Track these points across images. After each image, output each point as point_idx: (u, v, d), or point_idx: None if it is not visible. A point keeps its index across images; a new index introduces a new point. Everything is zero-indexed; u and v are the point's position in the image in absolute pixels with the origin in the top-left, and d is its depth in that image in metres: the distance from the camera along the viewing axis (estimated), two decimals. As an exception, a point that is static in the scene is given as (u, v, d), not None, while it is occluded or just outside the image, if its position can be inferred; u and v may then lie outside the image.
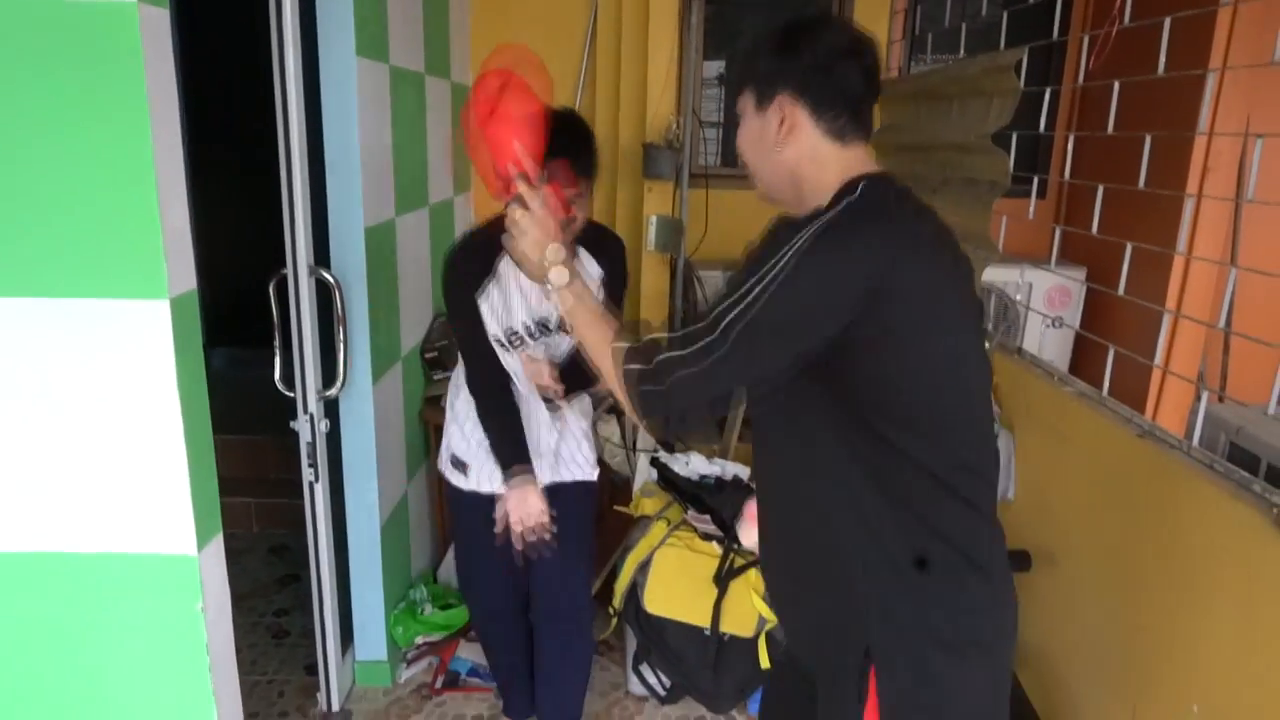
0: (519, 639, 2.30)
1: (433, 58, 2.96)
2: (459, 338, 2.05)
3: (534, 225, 1.35)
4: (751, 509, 1.59)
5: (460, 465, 2.12)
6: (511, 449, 1.98)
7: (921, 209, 1.22)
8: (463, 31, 3.46)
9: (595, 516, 2.32)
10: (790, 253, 1.09)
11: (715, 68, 4.05)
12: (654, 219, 3.43)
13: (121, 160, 1.27)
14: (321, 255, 2.22)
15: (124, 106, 1.25)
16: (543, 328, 2.00)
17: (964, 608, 1.19)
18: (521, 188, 1.36)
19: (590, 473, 2.16)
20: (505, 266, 1.95)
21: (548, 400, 2.01)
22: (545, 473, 2.07)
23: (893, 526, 1.18)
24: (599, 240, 2.03)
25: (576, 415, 2.14)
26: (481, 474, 2.08)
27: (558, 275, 1.32)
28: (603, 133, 3.64)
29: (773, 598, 1.43)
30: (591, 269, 2.00)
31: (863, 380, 1.14)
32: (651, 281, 3.60)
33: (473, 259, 1.96)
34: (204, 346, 1.54)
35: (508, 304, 1.97)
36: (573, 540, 2.10)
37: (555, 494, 2.07)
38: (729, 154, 4.16)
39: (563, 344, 2.02)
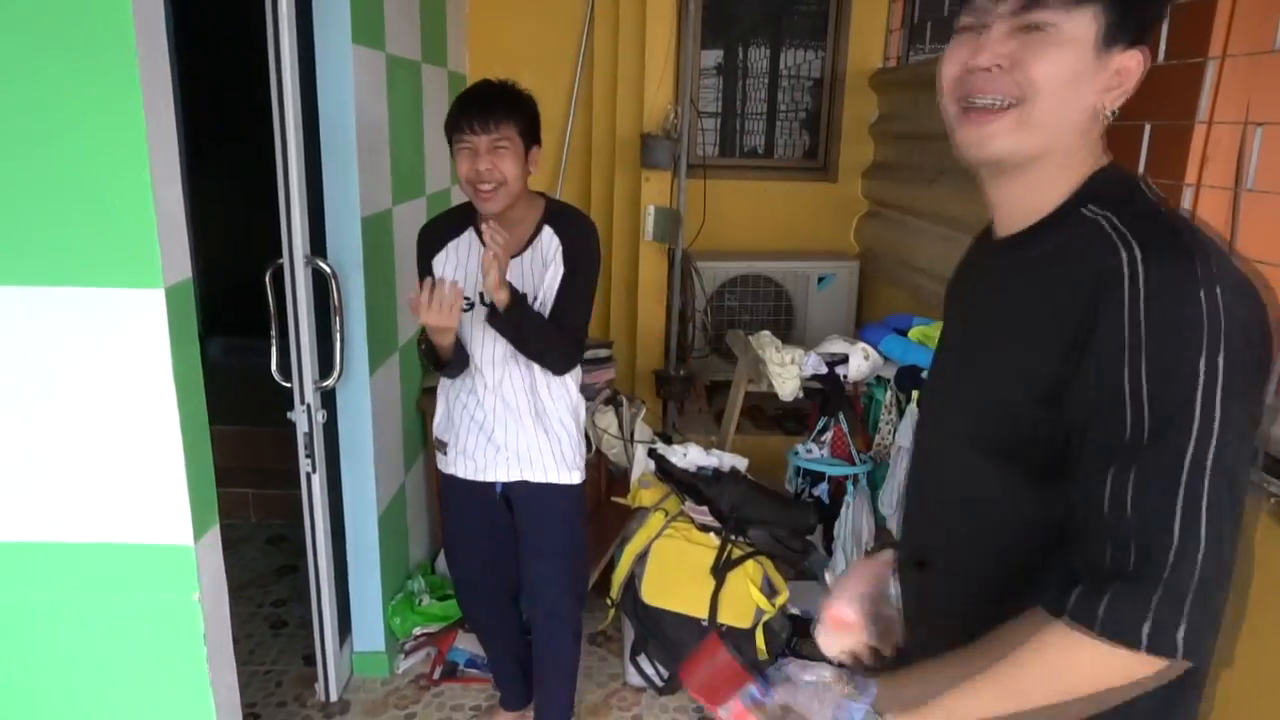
0: (507, 628, 2.30)
1: (430, 46, 2.94)
2: None
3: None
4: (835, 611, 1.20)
5: (440, 445, 2.13)
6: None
7: None
8: (459, 20, 3.45)
9: (590, 507, 2.30)
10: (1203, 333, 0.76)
11: (713, 57, 4.03)
12: (652, 209, 3.42)
13: (114, 146, 1.26)
14: (318, 244, 2.21)
15: (116, 91, 1.24)
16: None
17: None
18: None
19: (570, 475, 2.08)
20: (468, 237, 2.00)
21: (492, 313, 1.88)
22: (521, 470, 2.04)
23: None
24: (564, 219, 2.00)
25: (561, 412, 2.06)
26: (457, 456, 2.08)
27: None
28: (600, 122, 3.64)
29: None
30: (553, 246, 1.96)
31: None
32: (649, 272, 3.59)
33: (436, 229, 2.04)
34: (200, 336, 1.53)
35: (461, 271, 1.99)
36: (554, 542, 2.10)
37: (534, 494, 2.06)
38: (727, 144, 4.15)
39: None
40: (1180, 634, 0.75)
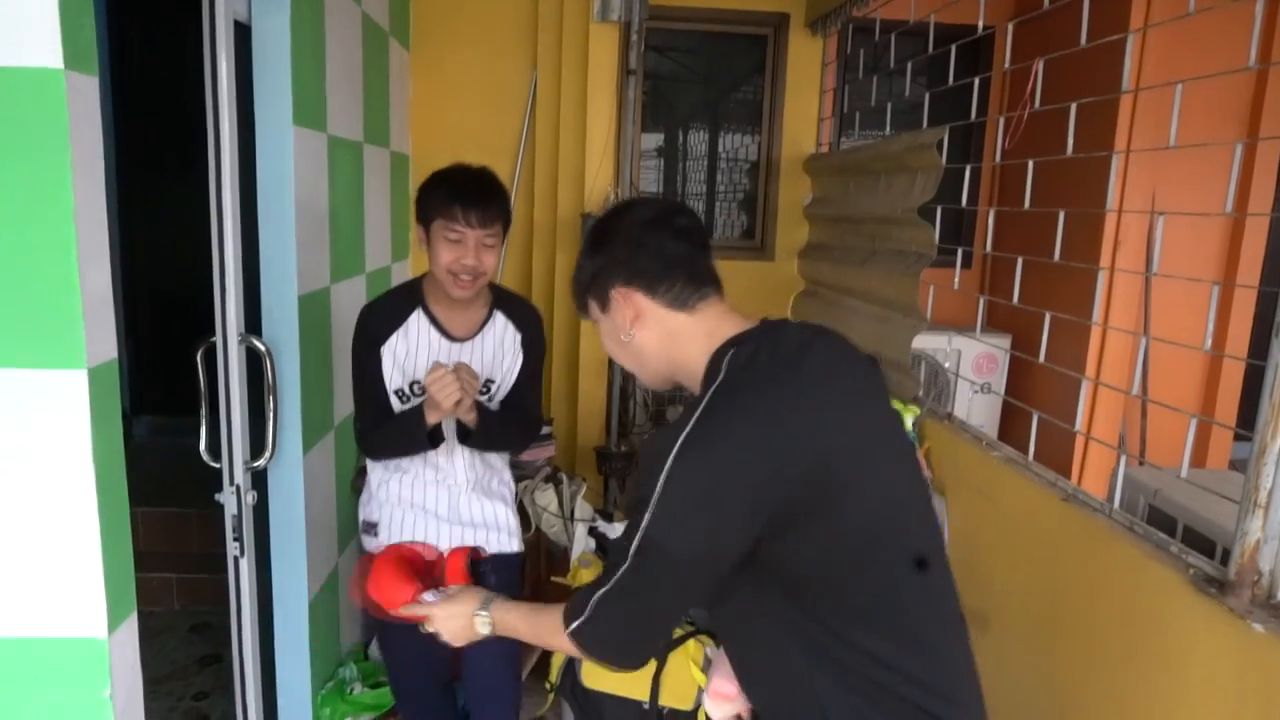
0: (441, 712, 2.23)
1: (372, 127, 2.98)
2: (355, 386, 2.05)
3: (445, 627, 1.41)
4: (715, 686, 1.51)
5: (370, 528, 2.09)
6: (413, 418, 1.90)
7: (804, 342, 1.17)
8: (402, 102, 3.50)
9: (530, 587, 2.28)
10: (660, 468, 1.06)
11: (654, 140, 4.15)
12: (593, 287, 3.46)
13: (40, 226, 1.24)
14: (253, 322, 2.18)
15: (46, 172, 1.23)
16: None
17: None
18: (418, 614, 1.47)
19: (513, 544, 2.10)
20: (416, 319, 2.00)
21: (462, 431, 1.95)
22: (462, 538, 2.04)
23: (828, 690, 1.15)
24: (516, 307, 2.09)
25: (498, 484, 2.12)
26: (390, 528, 2.04)
27: (485, 626, 1.37)
28: (542, 202, 3.70)
29: None
30: (509, 333, 2.05)
31: (779, 563, 1.11)
32: (590, 349, 3.62)
33: (383, 312, 2.01)
34: (127, 414, 1.49)
35: (414, 356, 1.99)
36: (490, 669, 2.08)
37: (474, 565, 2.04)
38: (667, 224, 4.24)
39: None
40: (574, 624, 1.17)
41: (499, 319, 2.05)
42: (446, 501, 2.03)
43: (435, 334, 1.99)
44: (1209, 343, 1.64)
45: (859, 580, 1.11)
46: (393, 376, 1.99)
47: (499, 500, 2.10)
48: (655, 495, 1.06)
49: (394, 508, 2.04)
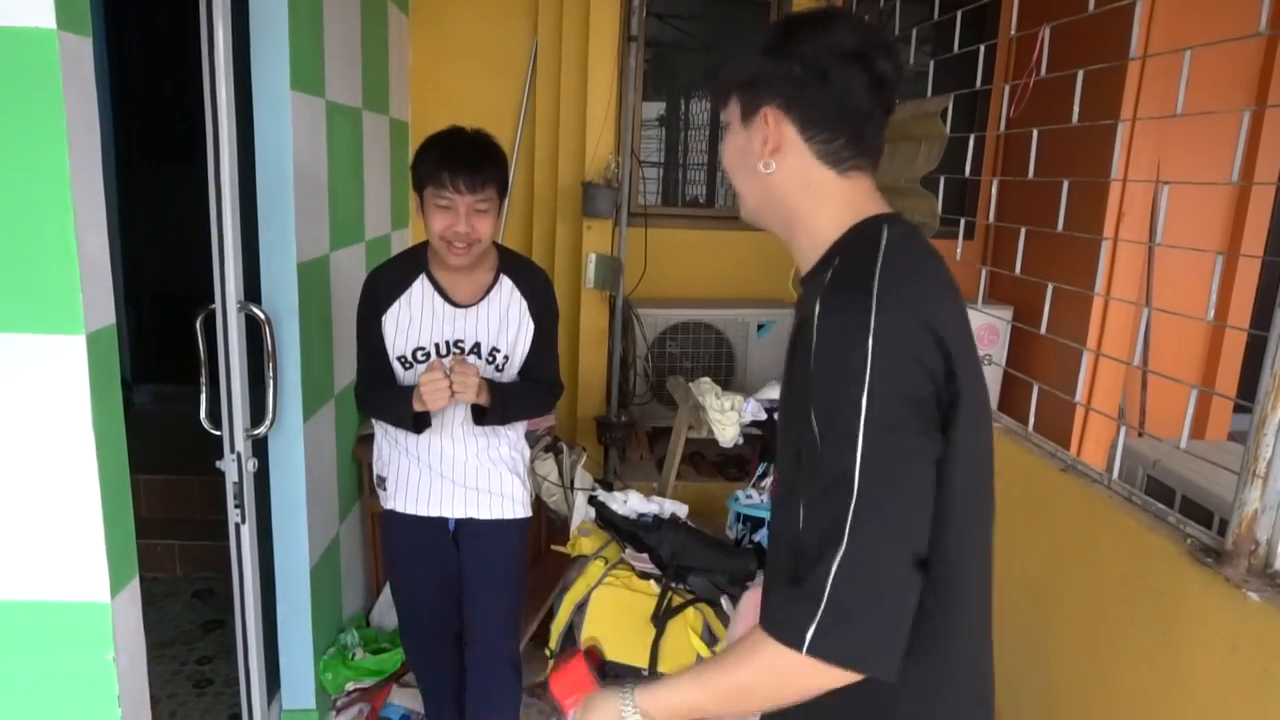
0: (449, 665, 2.24)
1: (371, 93, 2.95)
2: (358, 350, 2.07)
3: None
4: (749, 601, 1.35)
5: (381, 482, 2.12)
6: (404, 400, 1.90)
7: (938, 257, 1.05)
8: (402, 68, 3.46)
9: (530, 556, 2.29)
10: (828, 339, 0.91)
11: (655, 109, 4.11)
12: (593, 257, 3.45)
13: (36, 189, 1.23)
14: (253, 289, 2.17)
15: (40, 134, 1.22)
16: (454, 347, 2.01)
17: None
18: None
19: (521, 510, 2.12)
20: (420, 285, 1.99)
21: (478, 411, 1.97)
22: (471, 507, 2.05)
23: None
24: (524, 272, 2.06)
25: (509, 450, 2.11)
26: (397, 492, 2.07)
27: (633, 716, 1.04)
28: (542, 170, 3.67)
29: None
30: (515, 300, 2.03)
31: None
32: (591, 320, 3.61)
33: (388, 278, 2.01)
34: (128, 383, 1.49)
35: (417, 322, 1.99)
36: (501, 579, 2.09)
37: (483, 531, 2.06)
38: (668, 193, 4.21)
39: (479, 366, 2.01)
40: (809, 632, 0.85)
41: (505, 285, 2.03)
42: (452, 462, 2.04)
43: (439, 300, 1.98)
44: (1212, 313, 1.63)
45: (955, 527, 0.97)
46: (395, 343, 1.99)
47: (505, 466, 2.09)
48: (865, 371, 0.86)
49: (400, 459, 2.06)
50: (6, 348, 1.28)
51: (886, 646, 0.87)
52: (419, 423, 1.93)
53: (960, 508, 0.97)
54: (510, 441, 2.12)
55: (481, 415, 1.95)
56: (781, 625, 0.88)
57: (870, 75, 0.99)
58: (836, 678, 0.87)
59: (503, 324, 2.02)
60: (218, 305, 1.98)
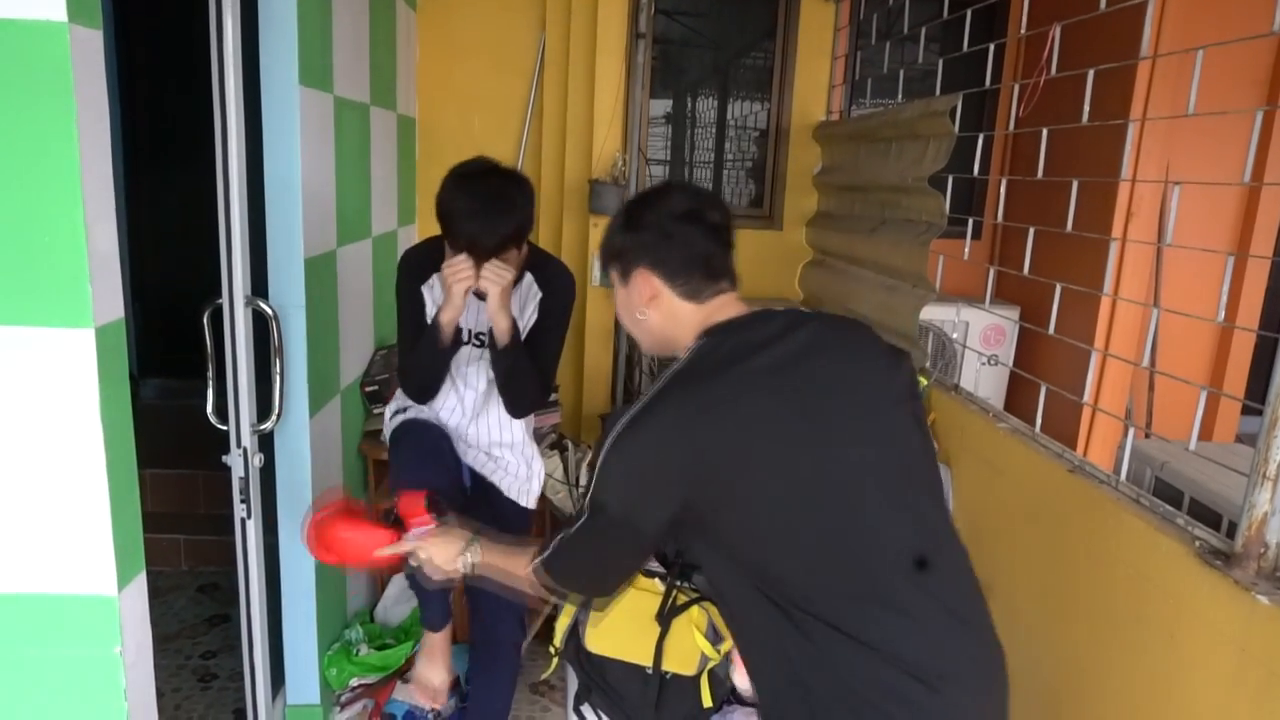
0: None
1: (379, 89, 2.95)
2: (400, 323, 2.12)
3: (435, 552, 1.51)
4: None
5: (402, 409, 2.19)
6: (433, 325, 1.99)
7: (780, 334, 1.22)
8: (409, 64, 3.46)
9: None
10: (608, 437, 1.20)
11: (662, 106, 4.11)
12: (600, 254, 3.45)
13: (46, 182, 1.23)
14: (259, 285, 2.17)
15: (51, 127, 1.22)
16: (475, 338, 2.08)
17: None
18: (401, 550, 1.57)
19: (528, 500, 2.22)
20: None
21: (480, 342, 2.06)
22: (488, 471, 2.17)
23: (800, 662, 1.18)
24: (548, 269, 2.13)
25: (525, 449, 2.22)
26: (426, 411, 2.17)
27: (467, 565, 1.48)
28: (549, 168, 3.67)
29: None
30: (532, 294, 2.10)
31: (716, 543, 1.22)
32: (596, 317, 3.61)
33: (423, 255, 2.09)
34: (135, 377, 1.49)
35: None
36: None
37: (493, 495, 2.17)
38: (675, 191, 4.21)
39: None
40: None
41: (527, 280, 2.09)
42: (476, 431, 2.16)
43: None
44: (1222, 314, 1.63)
45: (793, 564, 1.17)
46: (430, 314, 2.05)
47: (525, 463, 2.21)
48: (599, 463, 1.21)
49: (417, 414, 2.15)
50: (15, 341, 1.28)
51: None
52: (454, 344, 2.00)
53: (795, 553, 1.17)
54: (518, 434, 2.20)
55: (494, 345, 1.99)
56: (540, 548, 1.35)
57: (704, 226, 1.29)
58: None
59: (520, 317, 2.07)
60: (225, 300, 1.99)
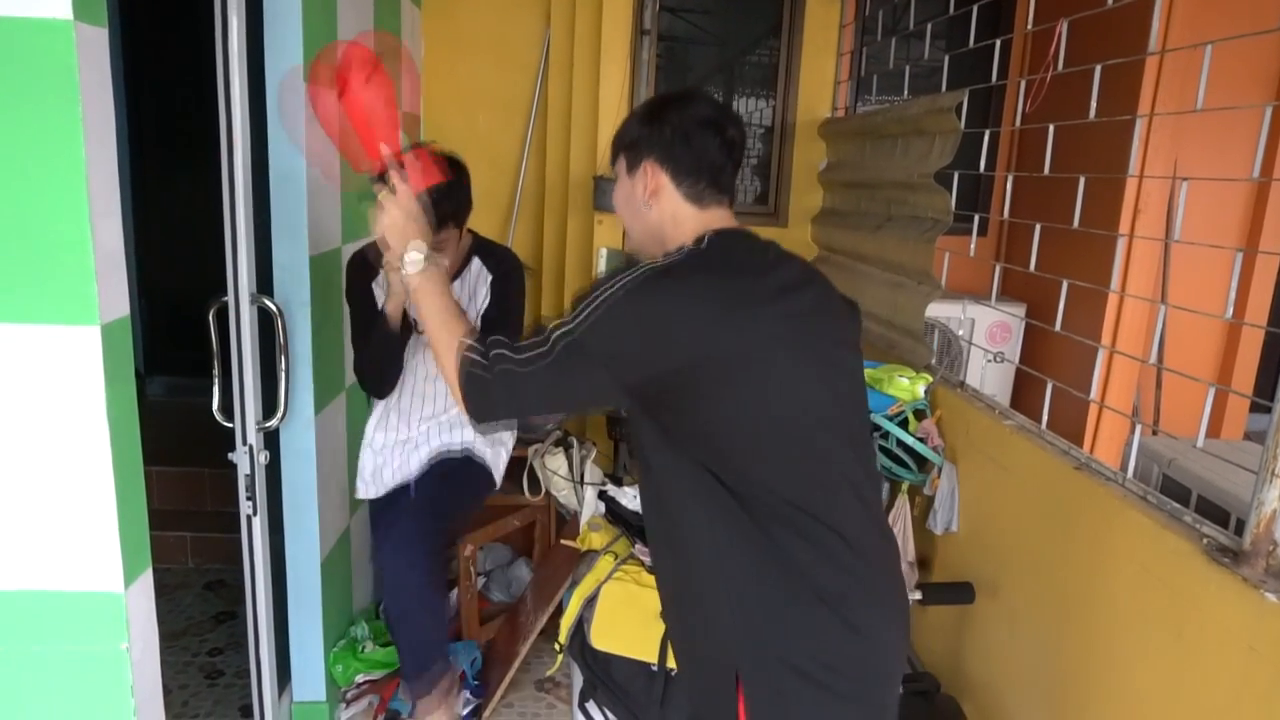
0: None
1: (383, 87, 2.94)
2: (353, 324, 2.19)
3: (398, 207, 1.44)
4: None
5: (363, 479, 2.32)
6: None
7: (779, 259, 1.31)
8: (414, 60, 3.46)
9: (539, 551, 2.33)
10: (620, 282, 1.19)
11: (666, 103, 4.10)
12: (604, 251, 3.45)
13: (52, 179, 1.23)
14: (265, 282, 2.17)
15: (56, 125, 1.22)
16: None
17: (819, 640, 1.20)
18: (391, 167, 1.45)
19: (483, 456, 2.32)
20: None
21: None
22: (435, 435, 2.29)
23: (744, 559, 1.21)
24: (494, 254, 2.24)
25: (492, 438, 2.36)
26: (379, 478, 2.28)
27: (413, 259, 1.39)
28: (554, 164, 3.67)
29: (668, 632, 1.44)
30: (482, 276, 2.19)
31: (684, 420, 1.21)
32: (602, 313, 3.60)
33: (369, 255, 2.10)
34: (141, 374, 1.49)
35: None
36: (434, 489, 2.29)
37: (445, 459, 2.30)
38: (680, 188, 4.20)
39: None
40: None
41: (474, 264, 2.18)
42: (429, 433, 2.28)
43: None
44: (1230, 311, 1.62)
45: (751, 450, 1.21)
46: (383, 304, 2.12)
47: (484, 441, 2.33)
48: (602, 305, 1.17)
49: (378, 451, 2.28)
50: (21, 338, 1.29)
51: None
52: (402, 329, 2.07)
53: (760, 453, 1.21)
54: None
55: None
56: (475, 345, 1.27)
57: (722, 138, 1.32)
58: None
59: (470, 301, 2.16)
60: (230, 298, 1.99)
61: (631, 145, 1.36)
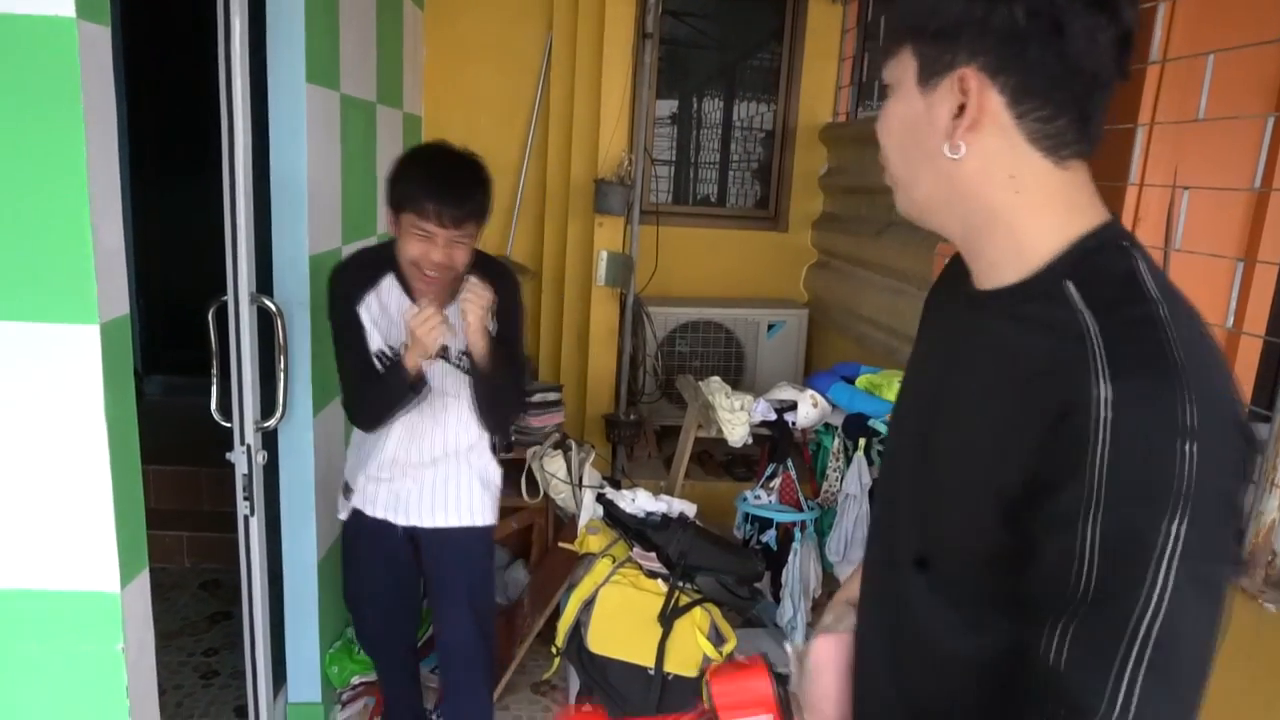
0: (401, 673, 2.26)
1: (385, 87, 2.95)
2: (338, 352, 1.99)
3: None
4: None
5: (346, 489, 2.12)
6: (394, 368, 1.86)
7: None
8: (416, 63, 3.46)
9: (537, 553, 2.29)
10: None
11: (668, 106, 4.11)
12: (604, 254, 3.45)
13: (53, 178, 1.23)
14: (264, 282, 2.17)
15: (58, 123, 1.22)
16: (462, 356, 1.96)
17: None
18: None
19: (484, 518, 2.08)
20: (389, 283, 1.94)
21: (452, 360, 1.94)
22: (433, 515, 2.04)
23: None
24: (492, 274, 1.93)
25: (476, 459, 2.08)
26: (364, 495, 2.07)
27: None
28: (555, 167, 3.67)
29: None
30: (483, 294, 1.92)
31: None
32: (601, 316, 3.61)
33: (353, 272, 1.97)
34: (139, 374, 1.49)
35: (384, 321, 1.95)
36: (461, 587, 2.08)
37: (444, 539, 2.06)
38: (680, 192, 4.21)
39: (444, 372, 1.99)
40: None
41: (472, 281, 1.96)
42: (422, 470, 2.03)
43: (407, 301, 1.92)
44: (1230, 320, 1.62)
45: None
46: (373, 339, 1.94)
47: (477, 479, 2.07)
48: (1166, 554, 0.64)
49: (368, 470, 2.05)
50: (20, 337, 1.28)
51: None
52: (416, 387, 1.86)
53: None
54: (480, 450, 2.09)
55: (474, 367, 1.87)
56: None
57: (1119, 29, 0.71)
58: None
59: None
60: (230, 297, 1.98)
61: (940, 33, 0.73)
